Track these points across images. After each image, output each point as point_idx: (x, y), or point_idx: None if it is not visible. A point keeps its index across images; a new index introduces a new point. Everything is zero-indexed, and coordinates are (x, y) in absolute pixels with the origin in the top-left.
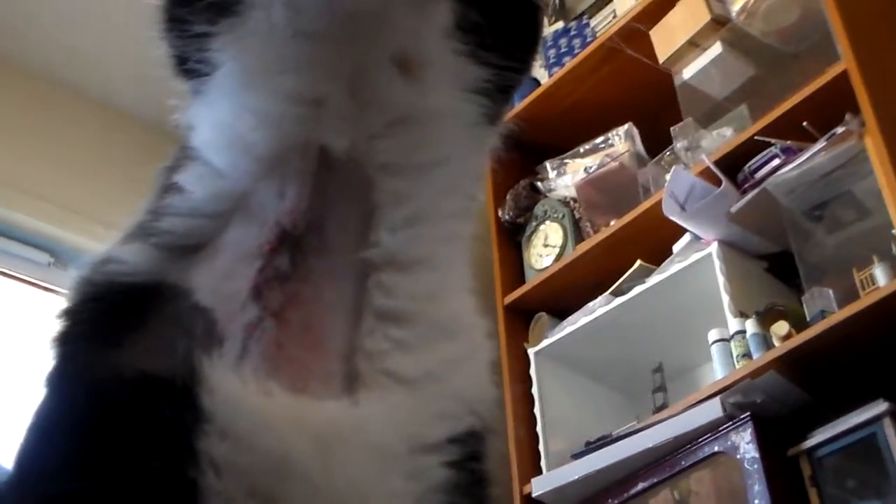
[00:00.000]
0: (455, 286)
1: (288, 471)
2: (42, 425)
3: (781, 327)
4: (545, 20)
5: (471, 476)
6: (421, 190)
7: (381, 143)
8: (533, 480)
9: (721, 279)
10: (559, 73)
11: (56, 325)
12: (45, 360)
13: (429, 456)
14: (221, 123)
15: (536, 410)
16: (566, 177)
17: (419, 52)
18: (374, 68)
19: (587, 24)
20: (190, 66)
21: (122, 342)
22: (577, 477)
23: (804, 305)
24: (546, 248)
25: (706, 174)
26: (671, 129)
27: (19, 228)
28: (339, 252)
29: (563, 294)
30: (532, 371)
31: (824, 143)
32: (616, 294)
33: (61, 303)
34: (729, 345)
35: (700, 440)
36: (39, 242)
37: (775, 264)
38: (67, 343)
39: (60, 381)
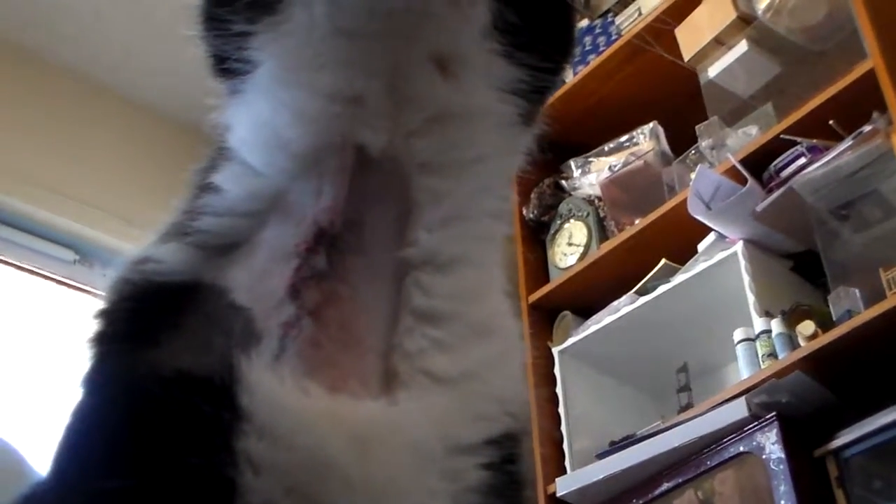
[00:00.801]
0: (491, 286)
1: (326, 469)
2: (80, 426)
3: (807, 327)
4: None
5: (507, 478)
6: (458, 189)
7: (419, 142)
8: (557, 480)
9: (746, 278)
10: (584, 70)
11: (93, 326)
12: (74, 357)
13: (465, 457)
14: (258, 122)
15: (561, 410)
16: (591, 175)
17: (457, 51)
18: (412, 66)
19: (612, 22)
20: (228, 66)
21: (160, 341)
22: (601, 477)
23: (830, 305)
24: (570, 247)
25: (731, 173)
26: (696, 127)
27: (44, 226)
28: (376, 251)
29: (588, 293)
30: (556, 370)
31: (851, 142)
32: (641, 293)
33: (95, 302)
34: (754, 344)
35: (725, 440)
36: (64, 240)
37: (801, 263)
38: (104, 343)
39: (98, 380)
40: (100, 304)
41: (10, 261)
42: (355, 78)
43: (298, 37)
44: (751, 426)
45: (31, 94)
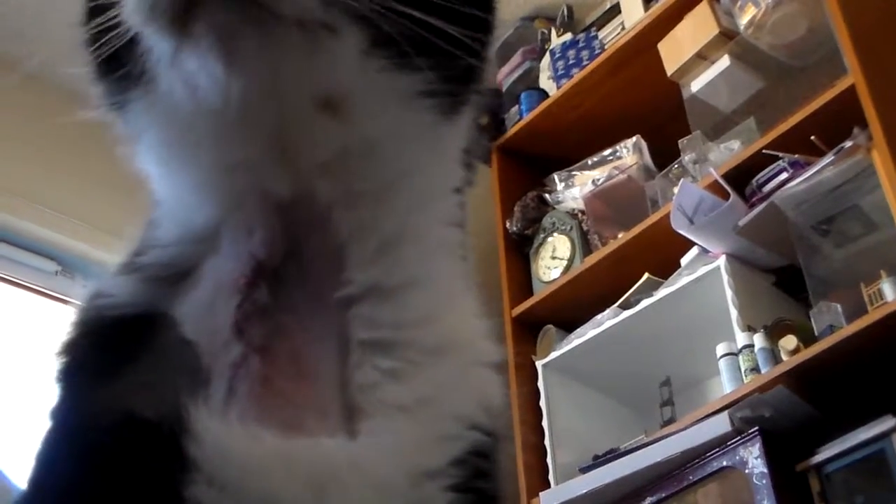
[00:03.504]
0: (446, 299)
1: None
2: (42, 461)
3: (790, 342)
4: (553, 32)
5: (477, 496)
6: (385, 215)
7: (326, 182)
8: (541, 494)
9: (729, 293)
10: (567, 84)
11: (56, 361)
12: (54, 368)
13: (431, 483)
14: (161, 184)
15: (544, 423)
16: (574, 189)
17: (340, 89)
18: (296, 121)
19: (595, 37)
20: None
21: (114, 377)
22: (584, 491)
23: (812, 320)
24: (554, 261)
25: (714, 187)
26: (679, 141)
27: (26, 237)
28: (319, 282)
29: (571, 306)
30: (540, 384)
31: (832, 157)
32: (624, 307)
33: (63, 333)
34: (737, 359)
35: (708, 455)
36: (46, 251)
37: (783, 278)
38: (65, 378)
39: (58, 417)
40: (62, 339)
41: None
42: (235, 148)
43: (168, 115)
44: (734, 441)
45: (10, 106)
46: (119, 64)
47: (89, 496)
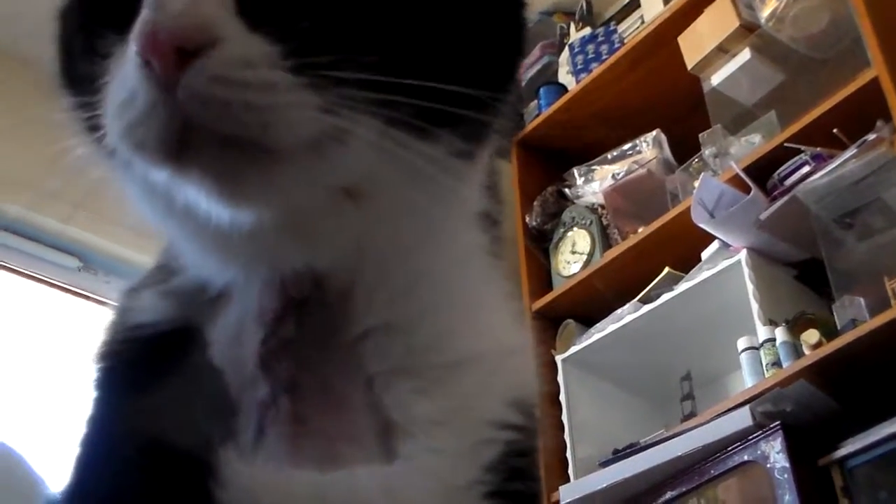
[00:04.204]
0: (465, 313)
1: None
2: (76, 473)
3: (811, 336)
4: (572, 26)
5: (511, 499)
6: (401, 267)
7: (343, 255)
8: (560, 488)
9: (750, 287)
10: (586, 79)
11: (93, 367)
12: (77, 364)
13: (467, 495)
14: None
15: (564, 418)
16: (594, 183)
17: (355, 180)
18: (311, 216)
19: (614, 30)
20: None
21: (147, 394)
22: (604, 485)
23: (834, 314)
24: (573, 255)
25: (735, 181)
26: (699, 135)
27: (49, 233)
28: (340, 314)
29: (591, 301)
30: (560, 378)
31: (855, 150)
32: (644, 301)
33: (99, 309)
34: (758, 353)
35: (729, 449)
36: (69, 247)
37: (805, 272)
38: (101, 387)
39: (92, 428)
40: (99, 345)
41: (15, 267)
42: (243, 242)
43: (163, 204)
44: (755, 435)
45: (32, 102)
46: (98, 133)
47: None
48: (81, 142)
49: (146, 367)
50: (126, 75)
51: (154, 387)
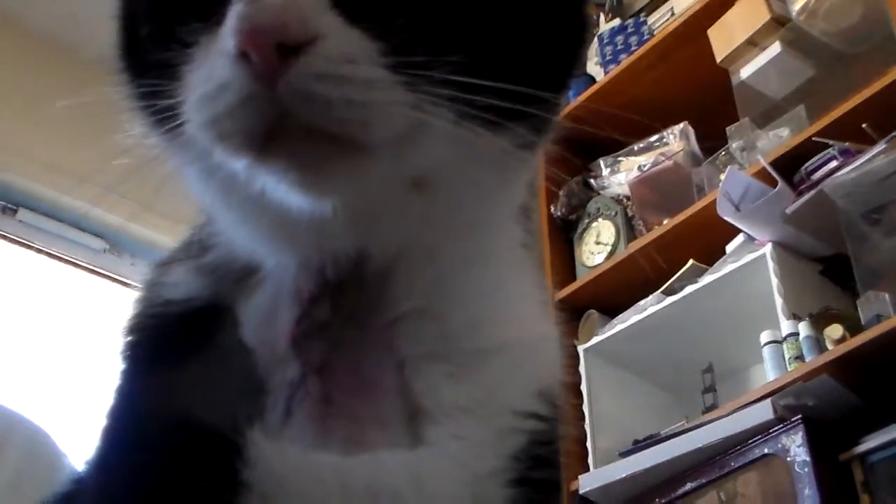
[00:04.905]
0: (496, 303)
1: None
2: (103, 445)
3: (835, 330)
4: (602, 17)
5: (534, 487)
6: (446, 253)
7: (398, 240)
8: (580, 477)
9: (775, 280)
10: (615, 70)
11: (121, 340)
12: (103, 344)
13: (491, 482)
14: (212, 212)
15: (585, 408)
16: (620, 174)
17: (426, 172)
18: (379, 205)
19: (644, 22)
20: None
21: (176, 370)
22: (624, 475)
23: (859, 309)
24: (598, 246)
25: (761, 175)
26: (727, 128)
27: (75, 215)
28: (375, 297)
29: (614, 292)
30: (581, 368)
31: (884, 146)
32: (667, 293)
33: (124, 291)
34: (781, 347)
35: (750, 442)
36: (95, 229)
37: (830, 267)
38: (130, 360)
39: (120, 399)
40: (128, 318)
41: (41, 248)
42: (304, 229)
43: (224, 186)
44: (776, 428)
45: (62, 84)
46: (166, 120)
47: (144, 493)
48: (137, 126)
49: (176, 343)
50: (215, 66)
51: (183, 363)
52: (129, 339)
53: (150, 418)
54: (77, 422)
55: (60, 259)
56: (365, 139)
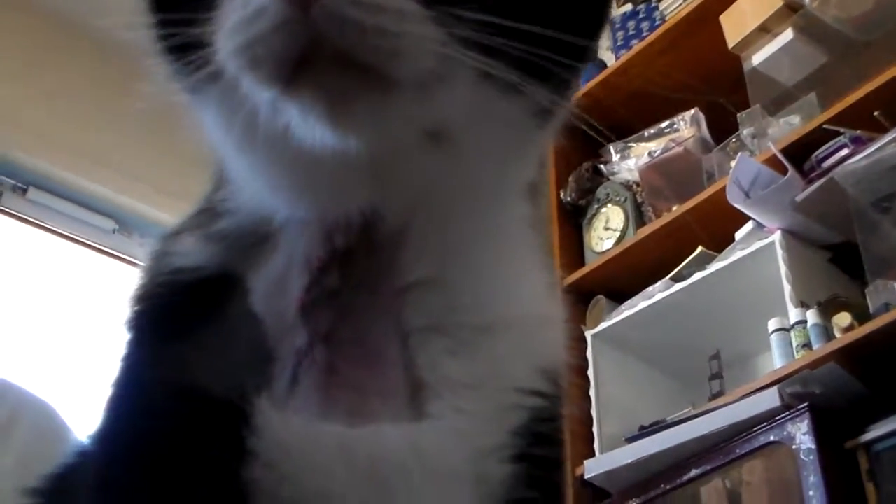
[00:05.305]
0: (504, 278)
1: None
2: (109, 412)
3: (843, 319)
4: (614, 2)
5: (534, 463)
6: (456, 221)
7: (411, 199)
8: (586, 463)
9: (783, 268)
10: (626, 56)
11: (128, 309)
12: (113, 324)
13: (492, 458)
14: (232, 167)
15: (591, 393)
16: (630, 160)
17: (446, 124)
18: (397, 155)
19: (656, 7)
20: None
21: (184, 339)
22: (629, 461)
23: (867, 298)
24: (607, 231)
25: (772, 162)
26: (738, 115)
27: (86, 195)
28: (384, 267)
29: (623, 278)
30: (589, 354)
31: (895, 135)
32: (676, 279)
33: (134, 271)
34: (789, 334)
35: (755, 429)
36: (105, 209)
37: (839, 255)
38: (137, 328)
39: (127, 368)
40: (136, 288)
41: (51, 227)
42: (321, 173)
43: (247, 128)
44: (782, 416)
45: (74, 66)
46: (191, 54)
47: (150, 460)
48: (160, 65)
49: (184, 312)
50: None
51: (191, 332)
52: (136, 308)
53: (157, 386)
54: (86, 400)
55: (70, 239)
56: (392, 71)
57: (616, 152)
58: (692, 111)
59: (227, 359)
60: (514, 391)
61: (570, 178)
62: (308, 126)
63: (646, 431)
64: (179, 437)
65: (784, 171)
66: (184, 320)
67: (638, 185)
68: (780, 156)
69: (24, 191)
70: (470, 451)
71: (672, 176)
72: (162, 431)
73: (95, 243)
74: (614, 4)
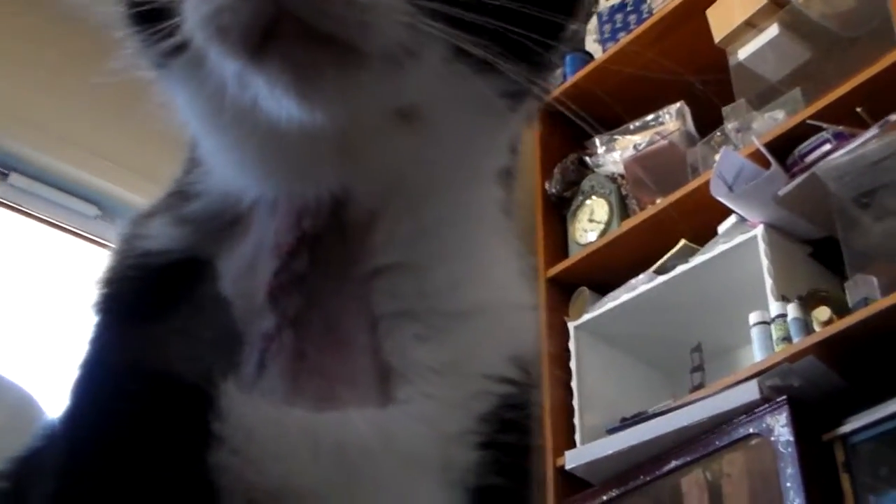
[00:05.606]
0: (475, 264)
1: (305, 499)
2: (76, 394)
3: (823, 313)
4: None
5: (503, 451)
6: (426, 204)
7: (382, 180)
8: (567, 453)
9: (765, 262)
10: (613, 48)
11: (96, 291)
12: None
13: (459, 444)
14: (202, 146)
15: (573, 384)
16: (615, 153)
17: (416, 102)
18: (366, 132)
19: (643, 1)
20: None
21: (153, 322)
22: (610, 452)
23: (847, 292)
24: (591, 224)
25: (756, 156)
26: (723, 109)
27: (68, 180)
28: (353, 252)
29: (606, 270)
30: (571, 345)
31: (877, 131)
32: (659, 272)
33: (100, 270)
34: (769, 328)
35: (735, 421)
36: (87, 195)
37: (820, 250)
38: (105, 311)
39: (94, 350)
40: (103, 271)
41: (33, 213)
42: (290, 151)
43: (214, 102)
44: (761, 408)
45: (56, 50)
46: (157, 24)
47: (114, 442)
48: (128, 39)
49: (152, 295)
50: None
51: (159, 315)
52: (103, 291)
53: (123, 369)
54: (66, 386)
55: (52, 224)
56: (361, 44)
57: (601, 145)
58: (677, 104)
59: (194, 342)
60: (483, 377)
61: (556, 170)
62: (275, 99)
63: (627, 423)
64: (144, 421)
65: (767, 166)
66: (152, 303)
67: (623, 177)
68: (763, 150)
69: (6, 175)
70: (438, 436)
71: (656, 169)
72: (127, 414)
73: (77, 229)
74: None
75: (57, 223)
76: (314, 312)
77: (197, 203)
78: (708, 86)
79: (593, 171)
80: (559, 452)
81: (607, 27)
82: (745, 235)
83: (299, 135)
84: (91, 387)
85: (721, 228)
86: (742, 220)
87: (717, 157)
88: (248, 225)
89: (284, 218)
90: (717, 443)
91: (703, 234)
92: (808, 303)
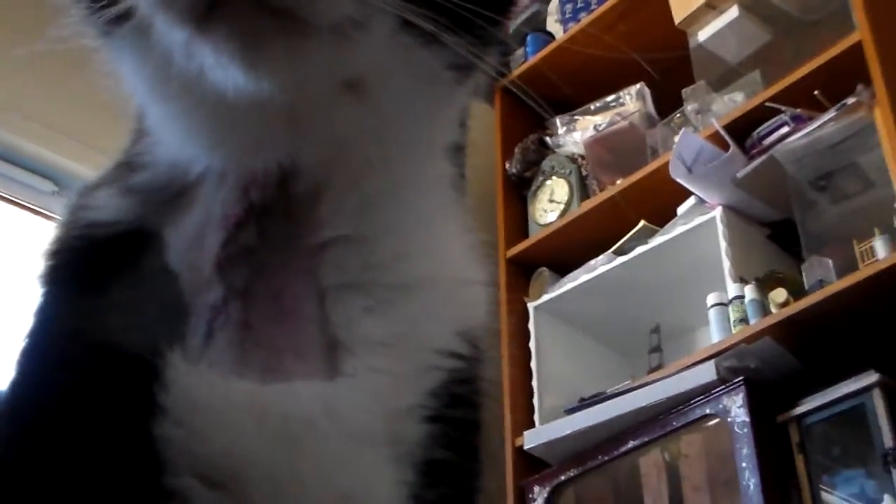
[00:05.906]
0: (423, 237)
1: (249, 471)
2: (21, 366)
3: (779, 294)
4: None
5: (451, 426)
6: (373, 176)
7: (328, 150)
8: (525, 433)
9: (723, 244)
10: (574, 28)
11: (42, 264)
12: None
13: (407, 418)
14: (150, 115)
15: (533, 365)
16: (575, 133)
17: (363, 73)
18: (313, 103)
19: None
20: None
21: (98, 294)
22: (568, 432)
23: (803, 274)
24: (551, 204)
25: (715, 138)
26: (683, 91)
27: (23, 155)
28: (301, 223)
29: (566, 250)
30: (531, 325)
31: (834, 114)
32: (618, 253)
33: (49, 237)
34: (727, 309)
35: (692, 402)
36: (43, 170)
37: (778, 232)
38: (51, 283)
39: (40, 322)
40: (49, 242)
41: None
42: (237, 120)
43: (161, 72)
44: (718, 389)
45: (7, 22)
46: None
47: (58, 413)
48: (74, 10)
49: (99, 267)
50: None
51: (105, 286)
52: (49, 262)
53: (68, 340)
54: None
55: (7, 200)
56: (308, 15)
57: (562, 125)
58: (638, 86)
59: (140, 314)
60: (431, 351)
61: (516, 150)
62: (221, 69)
63: (585, 403)
64: (88, 391)
65: (726, 148)
66: (97, 274)
67: (583, 158)
68: (722, 132)
69: None
70: (384, 410)
71: (617, 150)
72: (71, 385)
73: (33, 205)
74: None
75: (12, 199)
76: (261, 284)
77: (144, 174)
78: (668, 67)
79: (554, 152)
80: (518, 432)
81: (568, 7)
82: (703, 217)
83: (246, 105)
84: (35, 357)
85: (680, 210)
86: (701, 201)
87: (676, 138)
88: (195, 196)
89: (232, 189)
90: (674, 423)
91: (663, 216)
92: (765, 284)
